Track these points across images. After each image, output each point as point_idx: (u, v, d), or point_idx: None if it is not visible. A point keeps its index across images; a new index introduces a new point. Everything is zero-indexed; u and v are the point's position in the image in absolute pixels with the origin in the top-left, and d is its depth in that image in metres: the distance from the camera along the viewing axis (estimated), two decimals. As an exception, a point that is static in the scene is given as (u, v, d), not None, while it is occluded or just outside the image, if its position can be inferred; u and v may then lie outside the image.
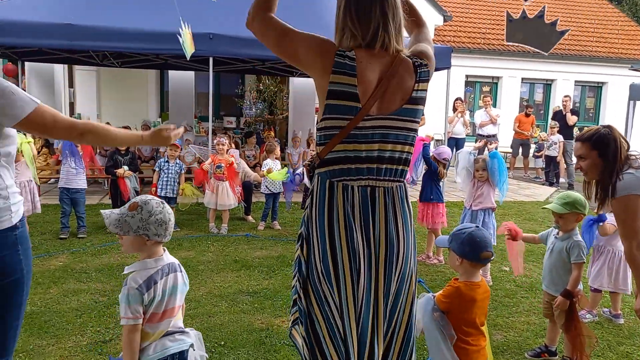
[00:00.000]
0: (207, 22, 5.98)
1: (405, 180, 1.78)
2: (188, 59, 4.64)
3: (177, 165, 5.87)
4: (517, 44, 2.58)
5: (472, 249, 2.04)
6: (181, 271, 1.96)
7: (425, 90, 1.76)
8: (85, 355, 2.82)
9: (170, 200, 5.68)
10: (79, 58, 8.49)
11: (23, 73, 8.75)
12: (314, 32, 6.41)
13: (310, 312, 1.71)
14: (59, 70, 10.55)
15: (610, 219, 3.43)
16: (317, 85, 1.70)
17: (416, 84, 1.71)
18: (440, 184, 4.89)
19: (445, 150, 4.86)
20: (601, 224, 3.47)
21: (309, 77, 7.73)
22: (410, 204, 1.80)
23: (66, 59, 8.63)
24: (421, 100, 1.75)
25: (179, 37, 4.34)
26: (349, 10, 1.70)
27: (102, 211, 1.91)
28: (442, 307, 2.08)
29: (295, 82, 10.13)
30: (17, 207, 1.74)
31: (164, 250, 1.93)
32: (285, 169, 5.91)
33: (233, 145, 7.25)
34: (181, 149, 6.88)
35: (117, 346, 2.93)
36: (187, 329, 1.99)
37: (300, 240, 1.77)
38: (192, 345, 1.96)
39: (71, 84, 12.10)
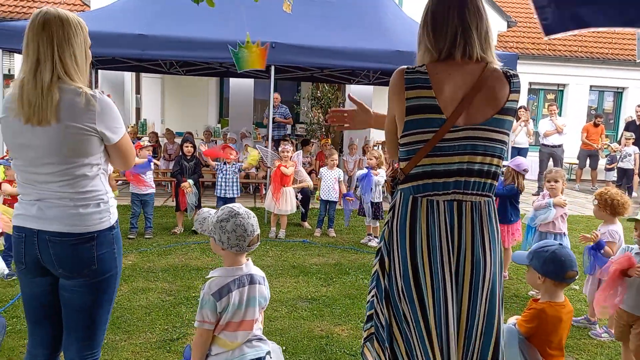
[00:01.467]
0: (270, 31, 6.12)
1: (493, 196, 1.71)
2: (239, 71, 4.77)
3: (234, 165, 6.03)
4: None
5: (556, 268, 1.95)
6: (261, 283, 1.97)
7: (517, 101, 1.71)
8: (155, 352, 2.94)
9: (228, 201, 5.85)
10: (147, 66, 8.93)
11: (96, 80, 9.31)
12: (373, 36, 6.34)
13: (391, 329, 1.68)
14: (128, 77, 11.14)
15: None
16: (398, 118, 1.69)
17: (510, 94, 1.66)
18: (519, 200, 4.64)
19: (523, 160, 4.59)
20: (602, 251, 3.34)
21: (366, 84, 7.71)
22: (497, 221, 1.73)
23: (135, 67, 9.09)
24: (512, 112, 1.68)
25: (232, 46, 4.46)
26: (426, 22, 1.70)
27: (203, 209, 2.00)
28: (523, 331, 1.99)
29: (353, 89, 10.13)
30: (113, 210, 1.88)
31: (247, 260, 1.97)
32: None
33: (294, 149, 7.36)
34: (237, 153, 7.07)
35: (183, 344, 3.03)
36: (267, 341, 2.02)
37: (379, 256, 1.74)
38: (269, 353, 1.98)
39: (138, 91, 12.75)
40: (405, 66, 1.67)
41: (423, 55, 1.70)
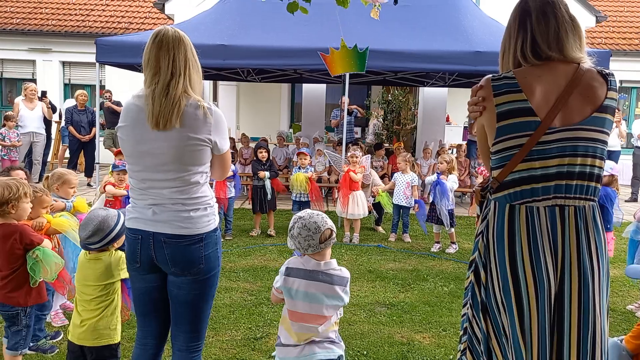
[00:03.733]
0: (345, 37, 6.16)
1: (597, 200, 1.61)
2: (332, 76, 4.81)
3: (308, 169, 6.12)
4: None
5: None
6: (339, 284, 1.98)
7: (615, 100, 1.63)
8: (240, 349, 3.05)
9: (303, 205, 5.95)
10: (225, 74, 9.32)
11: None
12: (451, 37, 6.26)
13: (489, 342, 1.62)
14: (206, 85, 11.69)
15: None
16: (488, 126, 1.66)
17: (608, 92, 1.60)
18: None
19: (614, 164, 4.31)
20: None
21: (440, 86, 7.55)
22: (603, 226, 1.62)
23: (215, 76, 9.52)
24: (611, 110, 1.61)
25: (324, 52, 4.50)
26: (508, 29, 1.69)
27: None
28: (631, 348, 1.85)
29: (426, 91, 9.94)
30: (216, 213, 2.01)
31: (329, 259, 2.01)
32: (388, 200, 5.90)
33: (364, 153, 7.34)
34: (311, 158, 7.18)
35: (267, 343, 3.12)
36: (341, 344, 2.04)
37: (474, 267, 1.69)
38: (340, 357, 2.00)
39: (215, 98, 13.37)
40: (491, 75, 1.65)
41: (509, 60, 1.68)
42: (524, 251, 1.55)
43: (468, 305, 1.69)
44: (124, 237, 2.31)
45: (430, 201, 5.66)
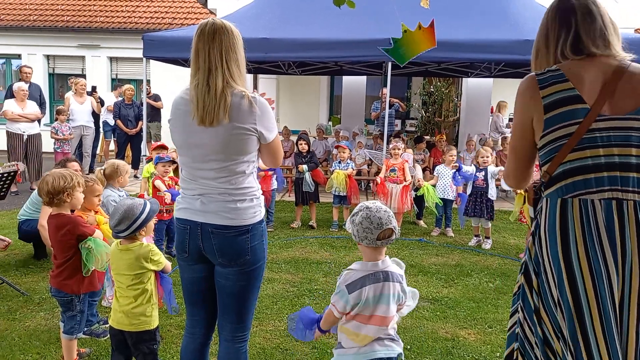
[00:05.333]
0: (386, 27, 6.07)
1: None
2: (401, 65, 4.74)
3: (348, 164, 6.09)
4: None
5: None
6: (400, 282, 1.95)
7: None
8: (284, 339, 3.07)
9: (342, 199, 5.93)
10: (266, 67, 9.38)
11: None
12: (498, 25, 6.04)
13: (549, 345, 1.55)
14: (247, 79, 11.82)
15: None
16: (536, 120, 1.61)
17: None
18: None
19: None
20: None
21: (485, 77, 7.29)
22: None
23: (256, 69, 9.60)
24: None
25: (385, 45, 4.43)
26: (545, 28, 1.66)
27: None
28: None
29: (470, 82, 9.68)
30: (261, 205, 2.00)
31: (385, 257, 1.96)
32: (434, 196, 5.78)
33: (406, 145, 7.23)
34: (351, 150, 7.14)
35: (310, 336, 3.13)
36: (400, 342, 2.00)
37: (523, 270, 1.63)
38: (400, 355, 1.96)
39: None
40: (533, 72, 1.63)
41: (547, 59, 1.65)
42: (578, 246, 1.47)
43: (519, 308, 1.62)
44: (152, 225, 2.38)
45: (469, 193, 5.53)
